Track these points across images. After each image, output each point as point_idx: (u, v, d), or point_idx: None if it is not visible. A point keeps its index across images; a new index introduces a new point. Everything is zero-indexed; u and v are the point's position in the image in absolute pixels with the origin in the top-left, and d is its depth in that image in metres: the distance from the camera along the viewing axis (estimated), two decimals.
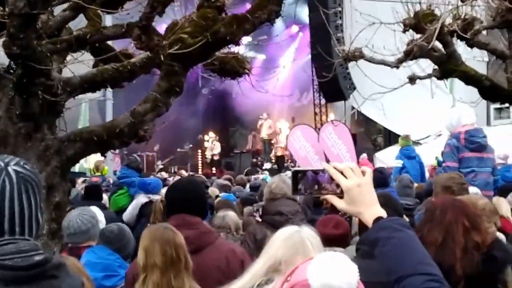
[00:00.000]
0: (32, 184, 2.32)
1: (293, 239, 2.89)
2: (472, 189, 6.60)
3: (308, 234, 2.97)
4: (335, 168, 2.42)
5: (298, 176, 2.47)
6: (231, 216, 6.98)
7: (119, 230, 5.56)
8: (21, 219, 2.26)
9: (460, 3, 8.64)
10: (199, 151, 30.63)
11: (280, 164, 25.77)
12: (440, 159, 11.73)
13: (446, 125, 10.54)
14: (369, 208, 2.38)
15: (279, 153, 27.55)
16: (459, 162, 8.98)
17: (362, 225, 3.93)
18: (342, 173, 2.40)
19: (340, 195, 2.40)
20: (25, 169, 2.31)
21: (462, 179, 6.43)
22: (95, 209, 6.18)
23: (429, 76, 10.86)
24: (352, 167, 2.43)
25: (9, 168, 2.27)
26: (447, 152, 9.59)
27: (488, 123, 26.96)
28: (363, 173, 2.43)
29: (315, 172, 2.46)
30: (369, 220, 2.36)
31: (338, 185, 2.41)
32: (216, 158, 29.02)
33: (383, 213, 2.38)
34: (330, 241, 5.27)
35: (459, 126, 9.73)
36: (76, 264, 4.08)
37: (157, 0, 5.72)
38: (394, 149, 21.42)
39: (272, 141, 28.27)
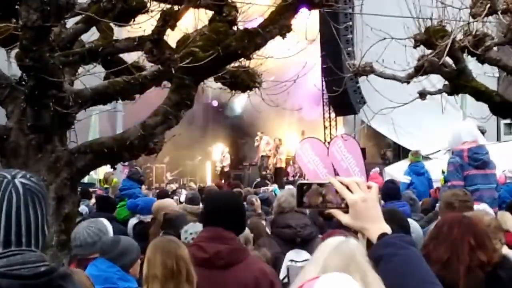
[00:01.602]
0: (39, 196, 2.33)
1: (342, 250, 2.88)
2: (479, 206, 6.57)
3: (354, 245, 2.97)
4: (340, 182, 2.41)
5: (303, 189, 2.47)
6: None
7: (112, 241, 5.54)
8: (28, 231, 2.27)
9: (471, 19, 8.64)
10: (208, 163, 30.65)
11: (278, 177, 25.69)
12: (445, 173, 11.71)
13: (448, 142, 10.53)
14: (374, 224, 2.36)
15: (278, 165, 27.51)
16: (465, 180, 8.94)
17: (369, 241, 3.92)
18: (347, 187, 2.39)
19: (345, 210, 2.40)
20: (32, 182, 2.33)
21: (466, 197, 6.40)
22: (104, 221, 6.18)
23: (439, 91, 10.85)
24: (358, 182, 2.41)
25: (16, 181, 2.29)
26: (451, 171, 9.56)
27: (498, 138, 26.88)
28: (369, 188, 2.41)
29: (321, 185, 2.46)
30: (373, 236, 2.35)
31: (343, 199, 2.40)
32: (226, 169, 29.02)
33: (388, 229, 2.36)
34: None
35: (460, 142, 9.71)
36: (83, 277, 4.10)
37: (169, 13, 5.75)
38: (404, 164, 21.36)
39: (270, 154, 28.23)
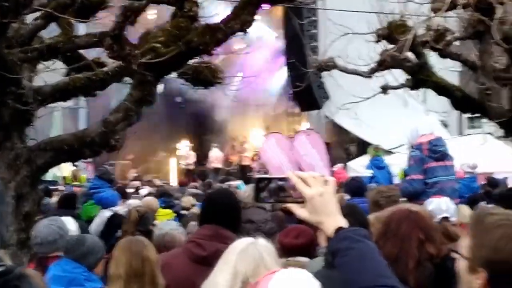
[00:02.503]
0: None
1: (250, 252, 2.89)
2: (441, 200, 6.59)
3: (263, 246, 2.97)
4: (298, 176, 2.39)
5: (261, 184, 2.46)
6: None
7: (77, 240, 5.47)
8: None
9: (432, 14, 8.70)
10: (173, 159, 30.51)
11: (243, 174, 25.69)
12: (405, 167, 11.81)
13: (406, 137, 10.62)
14: (330, 218, 2.35)
15: (244, 162, 27.53)
16: (425, 173, 9.00)
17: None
18: (305, 181, 2.39)
19: (302, 204, 2.39)
20: None
21: (391, 192, 6.44)
22: (67, 219, 6.09)
23: (401, 86, 10.94)
24: (315, 176, 2.40)
25: None
26: (411, 165, 9.61)
27: (461, 132, 27.20)
28: (326, 182, 2.40)
29: (279, 180, 2.45)
30: (330, 230, 2.33)
31: (300, 194, 2.38)
32: (191, 167, 28.89)
33: (344, 223, 2.35)
34: (291, 251, 5.23)
35: (417, 136, 9.79)
36: (39, 280, 4.05)
37: (130, 9, 5.70)
38: (367, 159, 21.53)
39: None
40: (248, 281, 2.89)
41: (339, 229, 2.32)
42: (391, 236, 3.46)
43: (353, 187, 9.07)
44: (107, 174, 12.09)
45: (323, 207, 2.35)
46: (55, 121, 21.49)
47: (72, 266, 5.17)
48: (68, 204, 10.02)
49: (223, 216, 4.62)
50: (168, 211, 10.52)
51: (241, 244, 2.98)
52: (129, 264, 4.20)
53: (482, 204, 8.65)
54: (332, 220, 2.35)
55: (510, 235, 2.40)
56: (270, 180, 2.45)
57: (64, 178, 18.89)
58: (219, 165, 28.51)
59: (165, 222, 6.93)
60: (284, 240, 5.36)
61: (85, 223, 10.02)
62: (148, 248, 4.38)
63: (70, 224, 6.02)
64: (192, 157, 29.49)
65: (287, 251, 5.14)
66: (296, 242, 5.42)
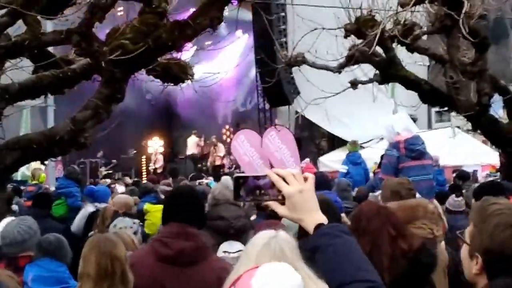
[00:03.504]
0: None
1: (271, 247, 2.87)
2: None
3: (284, 239, 2.96)
4: (277, 174, 2.39)
5: (240, 182, 2.45)
6: None
7: (57, 240, 5.42)
8: None
9: (400, 8, 8.74)
10: (144, 157, 30.39)
11: (216, 173, 25.65)
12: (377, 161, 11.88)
13: (384, 136, 10.66)
14: (310, 215, 2.36)
15: (217, 163, 27.45)
16: (400, 172, 9.02)
17: (300, 230, 3.93)
18: (284, 179, 2.39)
19: (282, 201, 2.39)
20: None
21: (410, 185, 6.49)
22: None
23: (370, 81, 10.99)
24: (294, 173, 2.40)
25: None
26: (384, 164, 9.67)
27: (430, 126, 27.44)
28: (305, 179, 2.41)
29: (257, 178, 2.45)
30: (310, 227, 2.34)
31: (279, 191, 2.39)
32: (159, 171, 28.59)
33: (324, 219, 2.36)
34: None
35: (394, 134, 9.85)
36: (10, 277, 4.01)
37: (97, 6, 5.65)
38: (338, 153, 21.62)
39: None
40: None
41: (318, 226, 2.33)
42: (362, 233, 3.47)
43: (318, 180, 9.10)
44: (74, 173, 12.03)
45: (303, 204, 2.36)
46: (23, 120, 21.24)
47: (56, 265, 5.14)
48: (42, 203, 9.92)
49: (187, 213, 4.56)
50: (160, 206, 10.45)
51: (262, 237, 2.96)
52: (99, 264, 4.15)
53: (453, 197, 8.72)
54: (312, 217, 2.36)
55: (506, 224, 2.46)
56: (247, 178, 2.44)
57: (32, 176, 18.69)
58: (196, 152, 28.43)
59: (120, 219, 6.84)
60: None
61: (57, 222, 9.97)
62: (118, 246, 4.34)
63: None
64: (160, 161, 29.34)
65: None
66: None
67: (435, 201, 7.59)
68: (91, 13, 5.66)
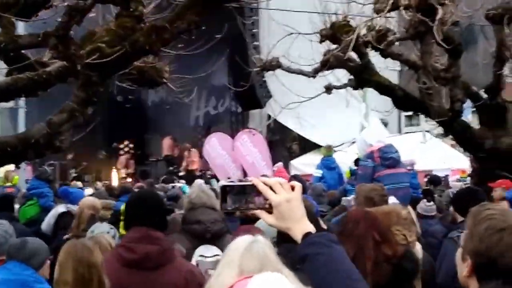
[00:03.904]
0: None
1: (254, 251, 2.87)
2: (391, 199, 6.72)
3: (264, 243, 2.96)
4: (264, 183, 2.40)
5: (226, 191, 2.45)
6: None
7: (20, 243, 5.38)
8: None
9: (375, 15, 8.82)
10: (113, 159, 30.18)
11: (190, 178, 25.61)
12: (353, 167, 11.92)
13: (358, 149, 10.73)
14: (298, 224, 2.36)
15: (190, 167, 27.36)
16: (376, 181, 9.04)
17: (280, 237, 3.95)
18: (271, 187, 2.39)
19: (269, 210, 2.39)
20: None
21: (383, 191, 6.54)
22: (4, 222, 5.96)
23: (345, 85, 11.07)
24: (282, 182, 2.40)
25: None
26: (360, 174, 9.74)
27: (400, 130, 27.68)
28: (292, 188, 2.41)
29: (244, 186, 2.44)
30: (298, 236, 2.35)
31: (266, 200, 2.39)
32: (129, 179, 28.37)
33: (311, 228, 2.37)
34: None
35: (367, 145, 9.93)
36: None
37: (75, 9, 5.62)
38: (309, 157, 21.71)
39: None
40: None
41: (306, 235, 2.33)
42: (347, 237, 3.50)
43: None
44: (45, 174, 11.98)
45: (290, 213, 2.37)
46: None
47: (21, 269, 5.09)
48: (5, 206, 9.83)
49: (150, 217, 4.56)
50: None
51: (242, 242, 2.95)
52: (76, 271, 4.13)
53: (424, 202, 8.80)
54: (300, 225, 2.37)
55: (495, 228, 2.50)
56: (233, 186, 2.44)
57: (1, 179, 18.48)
58: (170, 153, 28.35)
59: (97, 225, 6.82)
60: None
61: (23, 225, 9.87)
62: (94, 253, 4.31)
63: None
64: (131, 166, 29.20)
65: None
66: None
67: (409, 207, 7.66)
68: (69, 15, 5.62)
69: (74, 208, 9.53)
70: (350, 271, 2.29)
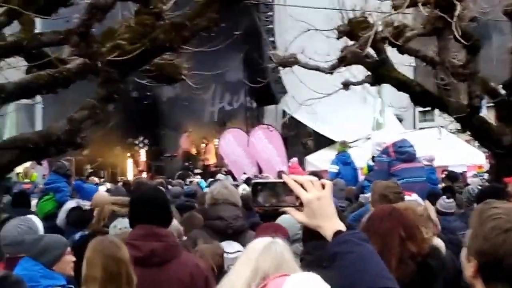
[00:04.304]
0: None
1: (272, 251, 2.88)
2: (411, 197, 6.69)
3: (283, 246, 2.98)
4: (295, 180, 2.41)
5: (257, 188, 2.47)
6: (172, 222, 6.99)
7: (34, 238, 5.42)
8: None
9: (392, 10, 8.81)
10: (129, 154, 30.23)
11: (206, 174, 25.66)
12: (370, 163, 11.90)
13: (372, 152, 10.73)
14: (328, 221, 2.37)
15: (206, 163, 27.38)
16: (392, 176, 9.01)
17: (306, 234, 3.95)
18: (302, 185, 2.40)
19: (300, 208, 2.41)
20: None
21: (398, 188, 6.53)
22: (34, 218, 6.02)
23: (362, 82, 11.05)
24: (312, 180, 2.41)
25: None
26: (376, 171, 9.73)
27: (414, 126, 27.60)
28: (323, 186, 2.42)
29: (275, 184, 2.46)
30: (328, 234, 2.35)
31: (297, 198, 2.40)
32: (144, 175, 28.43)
33: (342, 226, 2.37)
34: None
35: (382, 146, 9.92)
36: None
37: (96, 6, 5.65)
38: (325, 153, 21.65)
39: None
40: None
41: (337, 233, 2.34)
42: (373, 233, 3.49)
43: None
44: (63, 168, 12.00)
45: (321, 211, 2.38)
46: (9, 116, 21.07)
47: (31, 264, 5.13)
48: (21, 202, 9.90)
49: (154, 214, 4.62)
50: None
51: (261, 243, 2.98)
52: (105, 267, 4.16)
53: (443, 198, 8.77)
54: (331, 223, 2.37)
55: (501, 228, 2.46)
56: (265, 184, 2.46)
57: (17, 175, 18.58)
58: (186, 149, 28.39)
59: (119, 220, 6.86)
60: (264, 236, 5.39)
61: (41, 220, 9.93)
62: (122, 249, 4.35)
63: (37, 224, 5.93)
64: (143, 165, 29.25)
65: None
66: None
67: (427, 202, 7.65)
68: (90, 13, 5.65)
69: (84, 203, 9.59)
70: (381, 270, 2.30)
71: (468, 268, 2.54)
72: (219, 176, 15.66)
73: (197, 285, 4.48)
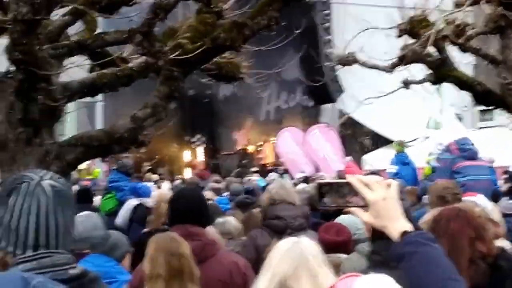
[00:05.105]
0: (67, 197, 2.35)
1: (292, 253, 2.89)
2: (475, 198, 6.57)
3: (307, 245, 2.97)
4: (360, 181, 2.41)
5: (322, 189, 2.48)
6: (231, 221, 7.04)
7: (103, 235, 5.51)
8: (56, 233, 2.29)
9: (455, 9, 8.70)
10: (187, 152, 30.48)
11: (263, 173, 25.73)
12: (434, 164, 11.76)
13: (436, 154, 10.62)
14: (394, 222, 2.36)
15: (263, 161, 27.43)
16: (456, 173, 8.92)
17: (374, 234, 3.93)
18: (367, 186, 2.40)
19: (365, 208, 2.41)
20: (59, 183, 2.34)
21: (456, 189, 6.44)
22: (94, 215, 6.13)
23: (423, 81, 10.93)
24: (377, 180, 2.41)
25: (44, 183, 2.30)
26: (440, 168, 9.62)
27: (474, 125, 27.16)
28: (388, 186, 2.41)
29: (340, 184, 2.47)
30: (394, 234, 2.34)
31: (363, 198, 2.40)
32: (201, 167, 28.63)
33: (409, 226, 2.35)
34: (332, 247, 5.27)
35: (443, 144, 9.80)
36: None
37: (160, 6, 5.73)
38: (382, 152, 21.49)
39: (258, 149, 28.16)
40: (286, 282, 2.91)
41: (404, 233, 2.33)
42: (441, 234, 3.45)
43: None
44: (125, 167, 12.20)
45: (386, 211, 2.37)
46: (69, 114, 21.43)
47: (103, 260, 5.23)
48: (85, 199, 10.09)
49: (190, 214, 4.73)
50: None
51: (286, 244, 2.99)
52: (168, 264, 4.22)
53: (506, 199, 8.62)
54: (396, 224, 2.36)
55: None
56: (329, 184, 2.47)
57: (79, 171, 18.92)
58: (243, 147, 28.54)
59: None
60: (326, 236, 5.41)
61: (105, 216, 10.12)
62: (183, 244, 4.40)
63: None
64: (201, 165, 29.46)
65: (328, 248, 5.16)
66: (338, 239, 5.48)
67: (491, 202, 7.52)
68: (154, 13, 5.73)
69: (146, 200, 9.72)
70: (448, 270, 2.27)
71: None
72: (272, 175, 15.61)
73: (236, 283, 4.52)
